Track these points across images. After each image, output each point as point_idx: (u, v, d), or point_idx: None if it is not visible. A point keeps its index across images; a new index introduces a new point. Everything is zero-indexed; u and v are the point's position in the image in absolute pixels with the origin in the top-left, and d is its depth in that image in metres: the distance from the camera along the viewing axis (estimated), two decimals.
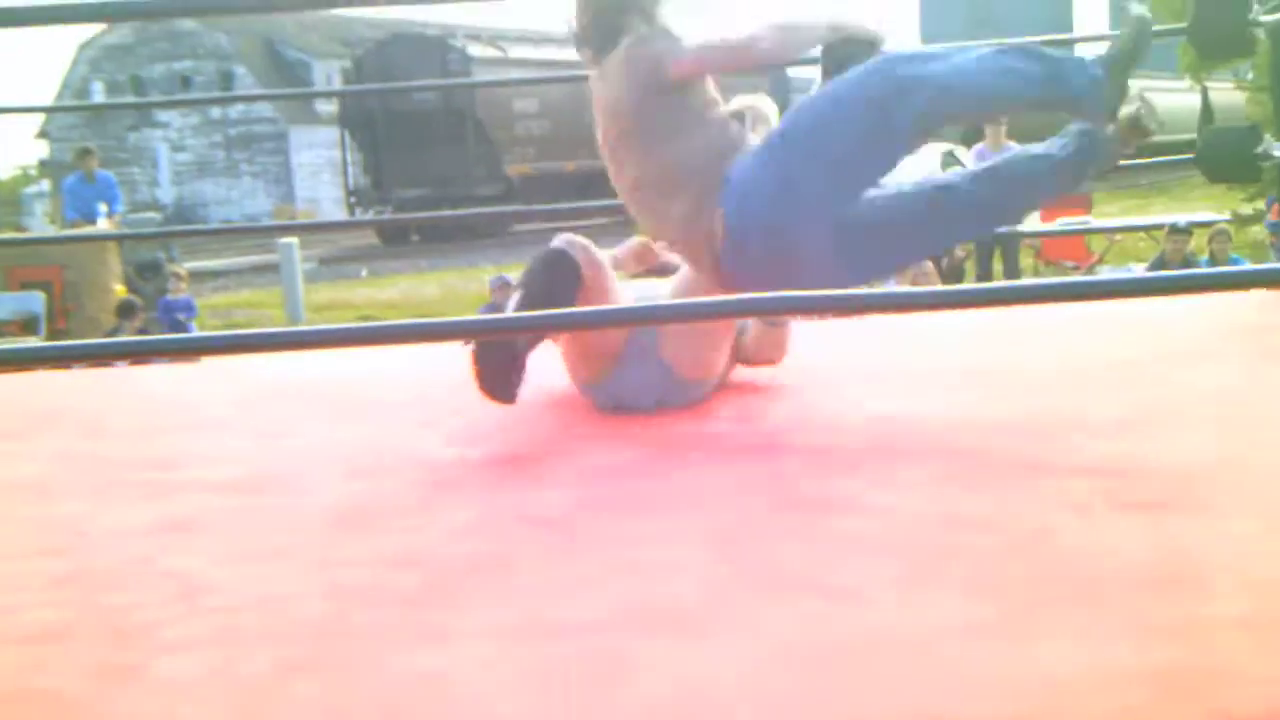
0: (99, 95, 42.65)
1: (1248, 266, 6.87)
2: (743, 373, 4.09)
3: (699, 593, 2.33)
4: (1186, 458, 3.05)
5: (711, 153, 3.48)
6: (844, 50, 3.53)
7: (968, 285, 3.33)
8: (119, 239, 13.74)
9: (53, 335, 12.55)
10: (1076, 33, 48.12)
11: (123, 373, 5.89)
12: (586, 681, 1.97)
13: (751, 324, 3.99)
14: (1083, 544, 2.48)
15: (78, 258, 13.03)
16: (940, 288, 3.29)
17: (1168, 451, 3.11)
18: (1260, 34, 5.23)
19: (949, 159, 3.83)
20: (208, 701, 1.98)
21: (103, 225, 13.24)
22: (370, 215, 27.87)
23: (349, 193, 28.96)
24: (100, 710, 1.96)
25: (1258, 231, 15.76)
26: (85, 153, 14.49)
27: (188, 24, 41.58)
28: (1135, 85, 3.34)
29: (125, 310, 12.05)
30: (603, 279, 3.70)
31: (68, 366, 6.93)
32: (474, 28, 32.39)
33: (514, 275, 12.47)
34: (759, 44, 3.47)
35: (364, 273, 23.29)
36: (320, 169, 41.23)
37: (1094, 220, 15.99)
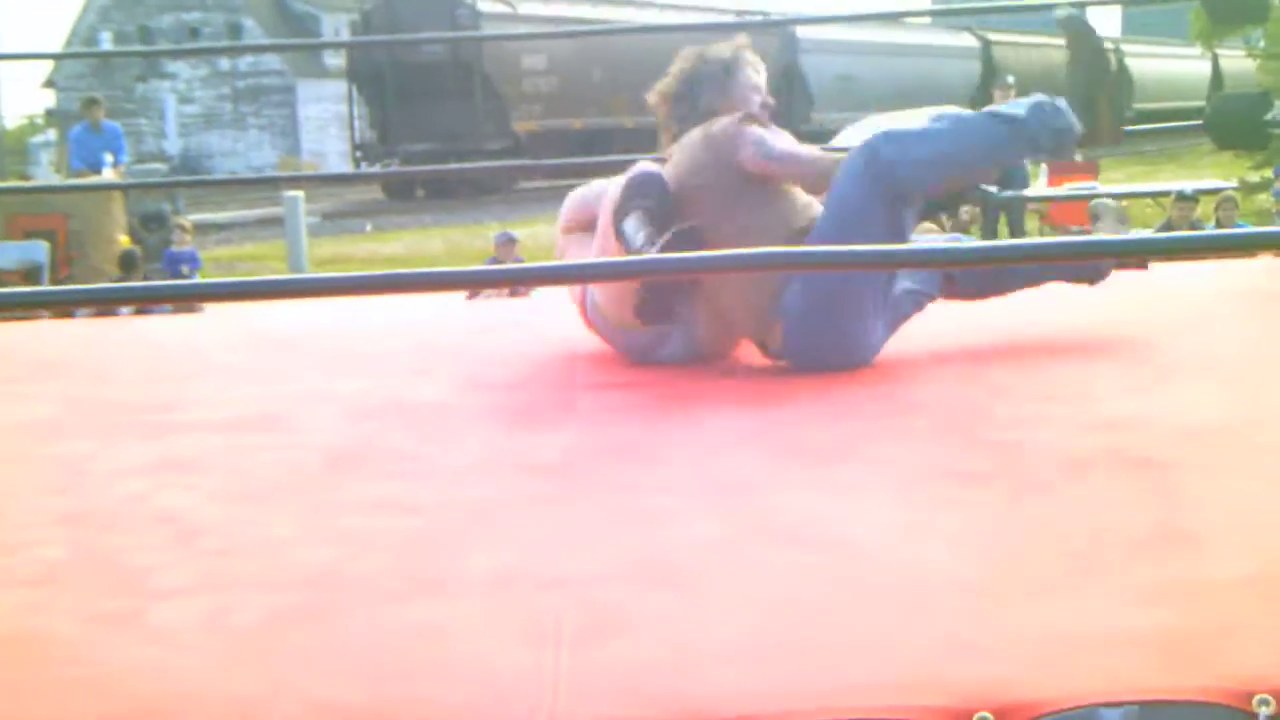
0: (107, 45, 42.50)
1: (1254, 229, 6.86)
2: None
3: (696, 543, 2.32)
4: (1190, 418, 3.04)
5: (774, 238, 3.50)
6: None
7: (975, 243, 3.33)
8: (123, 188, 13.70)
9: (56, 285, 12.51)
10: None
11: (127, 321, 5.89)
12: (582, 632, 1.96)
13: None
14: (1084, 502, 2.48)
15: (82, 207, 12.99)
16: (948, 245, 3.26)
17: (1171, 412, 3.10)
18: (1274, 0, 5.21)
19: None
20: (201, 649, 1.97)
21: (108, 175, 13.21)
22: (377, 169, 27.79)
23: (355, 146, 28.87)
24: (93, 656, 1.96)
25: (1264, 199, 15.71)
26: (92, 102, 14.44)
27: None
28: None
29: (126, 263, 12.03)
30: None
31: (71, 314, 6.93)
32: None
33: (518, 232, 12.46)
34: (822, 183, 3.61)
35: (368, 227, 23.24)
36: (327, 123, 41.11)
37: (1101, 186, 15.92)
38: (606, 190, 3.86)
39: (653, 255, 3.42)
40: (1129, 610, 1.95)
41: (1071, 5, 5.62)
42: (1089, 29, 4.08)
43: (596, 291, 3.79)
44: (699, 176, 3.61)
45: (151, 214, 14.93)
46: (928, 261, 3.09)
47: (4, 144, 26.49)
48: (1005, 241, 3.34)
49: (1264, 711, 1.69)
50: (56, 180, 23.13)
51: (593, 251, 3.77)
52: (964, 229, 12.97)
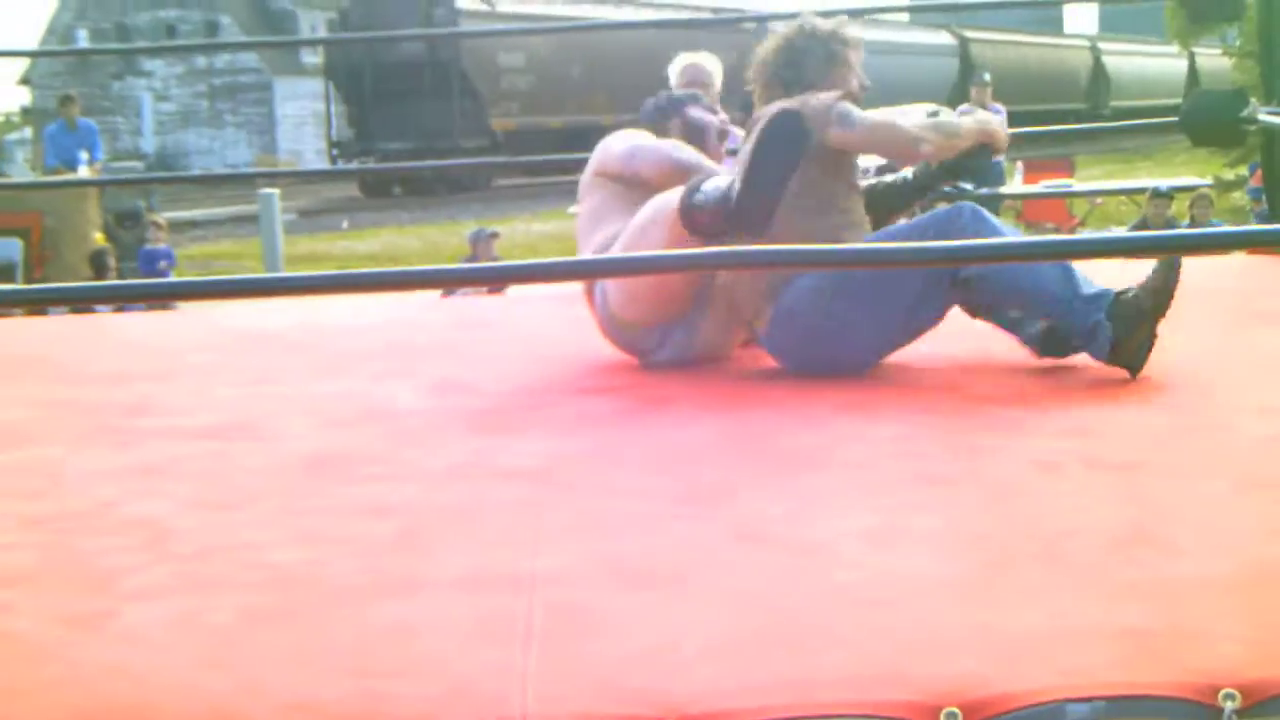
0: (83, 42, 42.34)
1: (1228, 228, 6.88)
2: None
3: (670, 546, 2.33)
4: (1160, 420, 3.06)
5: (812, 237, 3.51)
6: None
7: (948, 242, 3.32)
8: (98, 185, 13.65)
9: (30, 283, 12.46)
10: (1066, 31, 48.15)
11: (101, 320, 5.87)
12: (556, 634, 1.97)
13: None
14: (1053, 503, 2.49)
15: (57, 205, 12.93)
16: (922, 244, 3.26)
17: (1141, 413, 3.12)
18: None
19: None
20: (174, 649, 1.97)
21: (84, 173, 13.16)
22: (354, 165, 27.73)
23: (332, 144, 28.80)
24: (67, 656, 1.96)
25: (1239, 197, 15.79)
26: (68, 100, 14.38)
27: None
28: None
29: (97, 264, 12.00)
30: None
31: (45, 312, 6.91)
32: None
33: (495, 229, 12.45)
34: (921, 146, 3.62)
35: (345, 225, 23.19)
36: (304, 120, 41.00)
37: (1076, 184, 15.97)
38: (678, 155, 3.90)
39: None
40: (1096, 608, 1.97)
41: (1048, 3, 5.61)
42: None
43: (610, 287, 3.77)
44: None
45: (127, 211, 14.86)
46: (871, 261, 3.09)
47: None
48: (978, 241, 3.29)
49: (1229, 706, 1.71)
50: (31, 178, 23.03)
51: (637, 216, 3.75)
52: None
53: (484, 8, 26.90)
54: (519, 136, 26.85)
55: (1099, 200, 16.10)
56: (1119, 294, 3.37)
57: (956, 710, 1.70)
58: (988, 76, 13.96)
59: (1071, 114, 36.80)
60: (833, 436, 3.01)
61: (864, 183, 3.87)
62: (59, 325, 5.74)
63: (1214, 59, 33.49)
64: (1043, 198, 14.67)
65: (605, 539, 2.38)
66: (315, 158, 38.58)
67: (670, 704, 1.74)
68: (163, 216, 14.92)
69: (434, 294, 5.52)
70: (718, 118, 4.18)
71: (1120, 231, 13.65)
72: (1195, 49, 33.58)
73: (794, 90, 3.71)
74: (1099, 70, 40.77)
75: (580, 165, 4.12)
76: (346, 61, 27.57)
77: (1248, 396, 3.23)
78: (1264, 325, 4.18)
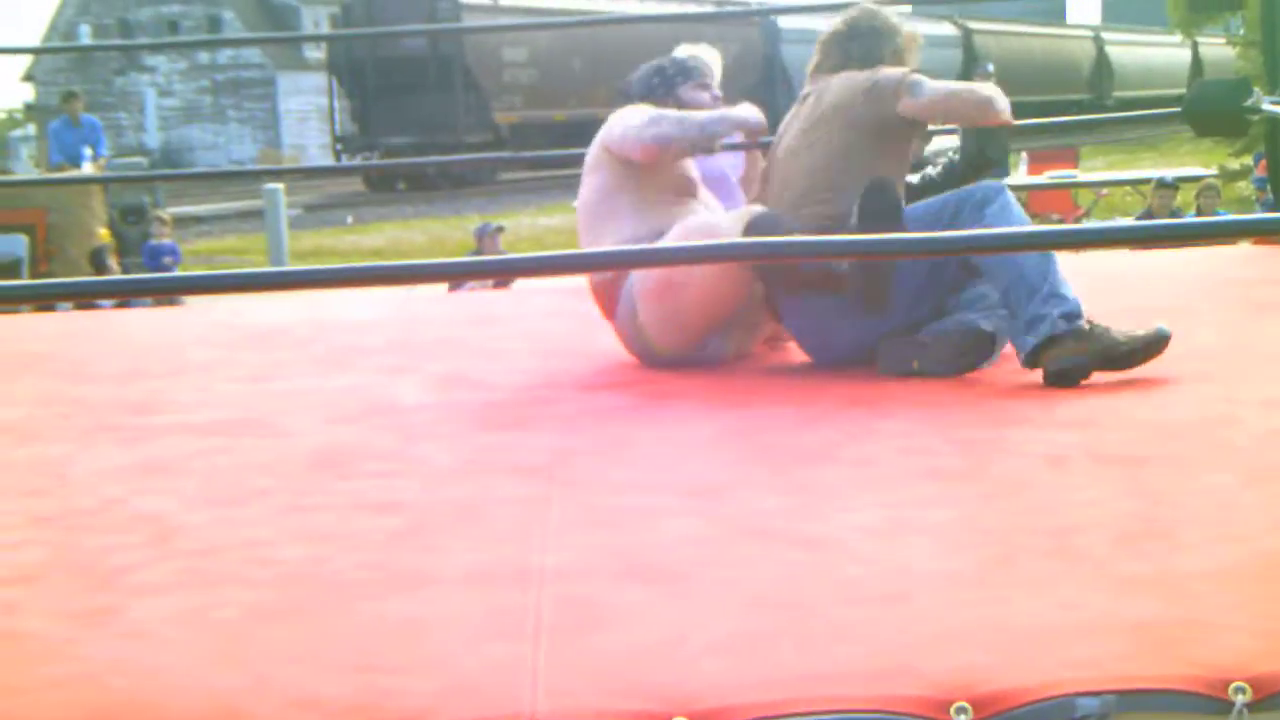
0: (86, 39, 42.33)
1: (1234, 217, 6.85)
2: None
3: (676, 543, 2.33)
4: (1166, 412, 3.05)
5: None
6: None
7: (954, 232, 3.31)
8: (103, 182, 13.66)
9: (36, 279, 12.48)
10: (1070, 21, 48.07)
11: (107, 316, 5.87)
12: (561, 630, 1.97)
13: None
14: (1061, 496, 2.49)
15: (61, 201, 12.93)
16: (928, 234, 3.25)
17: (1147, 406, 3.11)
18: None
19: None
20: (181, 645, 1.97)
21: (87, 169, 13.17)
22: (358, 162, 27.76)
23: (336, 139, 28.81)
24: (73, 653, 1.96)
25: (1244, 187, 15.76)
26: (71, 96, 14.41)
27: None
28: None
29: (97, 261, 12.01)
30: None
31: (52, 308, 6.91)
32: None
33: (500, 223, 12.45)
34: (996, 104, 3.64)
35: (349, 220, 23.20)
36: (308, 115, 40.99)
37: (1081, 174, 15.96)
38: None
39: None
40: (1105, 601, 1.96)
41: None
42: None
43: (649, 322, 3.68)
44: (847, 117, 3.67)
45: (131, 207, 14.86)
46: (876, 252, 3.09)
47: None
48: (991, 230, 3.29)
49: (1240, 699, 1.70)
50: (36, 174, 23.03)
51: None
52: None
53: (486, 2, 26.91)
54: (522, 130, 26.86)
55: (1104, 191, 16.09)
56: (1083, 322, 3.34)
57: (966, 704, 1.70)
58: (991, 67, 13.98)
59: (1075, 104, 36.80)
60: (839, 432, 3.00)
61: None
62: (64, 322, 5.75)
63: (1218, 48, 33.49)
64: (1048, 189, 14.66)
65: (613, 534, 2.38)
66: (319, 152, 38.60)
67: (679, 699, 1.73)
68: (167, 212, 14.94)
69: (440, 288, 5.51)
70: (710, 94, 4.09)
71: (1126, 223, 13.64)
72: (1199, 38, 33.58)
73: (855, 65, 3.77)
74: (1102, 60, 40.73)
75: (583, 161, 4.10)
76: (350, 56, 27.59)
77: (1253, 389, 3.23)
78: (1269, 316, 4.17)
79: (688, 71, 4.09)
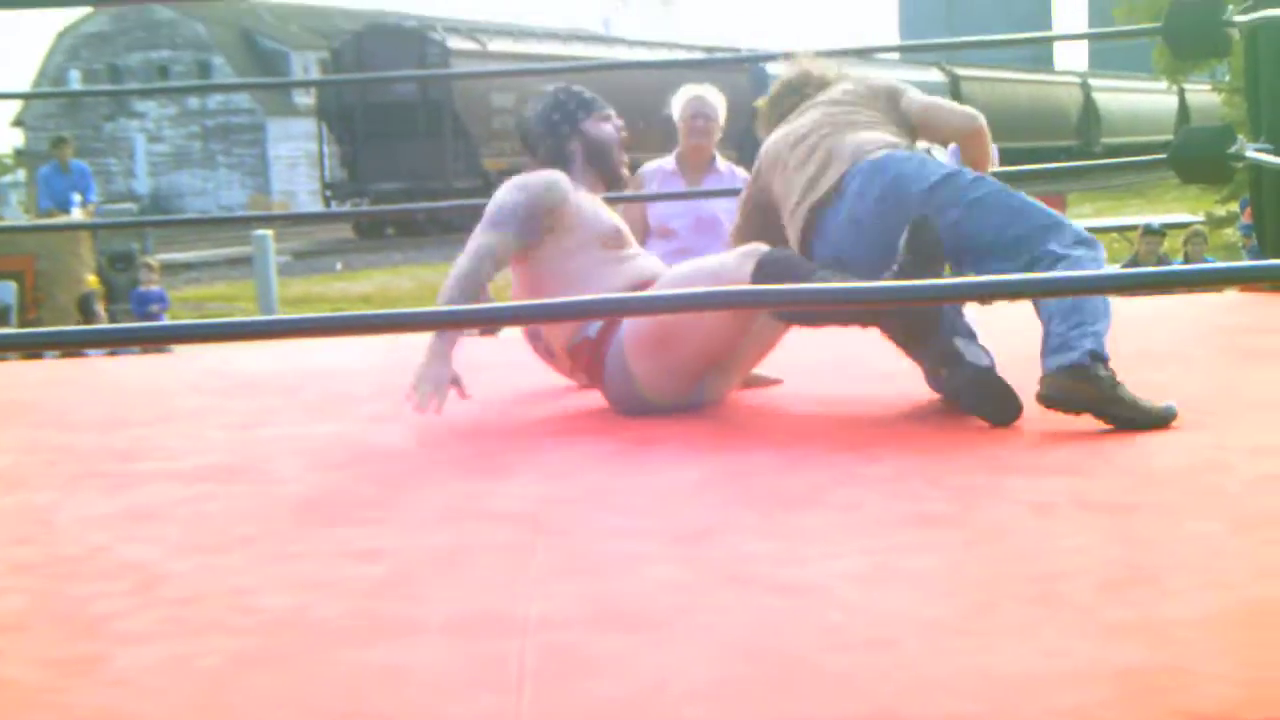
0: (76, 84, 42.45)
1: (1221, 264, 6.89)
2: None
3: (660, 589, 2.32)
4: (1152, 459, 3.06)
5: None
6: None
7: (940, 280, 3.31)
8: (91, 228, 13.68)
9: (24, 326, 12.47)
10: (1056, 30, 48.27)
11: (94, 363, 5.87)
12: (545, 678, 1.96)
13: None
14: (1046, 543, 2.49)
15: (50, 247, 12.96)
16: (912, 283, 3.26)
17: (1133, 453, 3.12)
18: (1235, 34, 5.24)
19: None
20: (165, 693, 1.96)
21: (77, 215, 13.19)
22: (347, 208, 27.82)
23: (325, 185, 28.88)
24: (58, 701, 1.95)
25: (1230, 234, 15.83)
26: (60, 142, 14.44)
27: (165, 13, 41.48)
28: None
29: (85, 308, 12.02)
30: None
31: (40, 355, 6.91)
32: (453, 20, 32.33)
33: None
34: (979, 120, 3.87)
35: (338, 266, 23.23)
36: (297, 161, 41.12)
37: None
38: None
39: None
40: (1090, 649, 1.96)
41: (1038, 40, 5.64)
42: None
43: (636, 360, 3.63)
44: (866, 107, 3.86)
45: (120, 254, 14.89)
46: (862, 300, 3.10)
47: None
48: (981, 279, 3.29)
49: None
50: (25, 220, 23.06)
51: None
52: None
53: (476, 48, 27.02)
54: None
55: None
56: (1104, 368, 3.30)
57: None
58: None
59: (1063, 150, 36.98)
60: (823, 477, 3.00)
61: None
62: (51, 370, 5.74)
63: (1204, 94, 33.67)
64: None
65: (596, 581, 2.37)
66: (308, 198, 38.72)
67: None
68: (156, 259, 14.97)
69: (427, 336, 5.51)
70: (612, 124, 4.02)
71: (1113, 269, 13.68)
72: (1185, 84, 33.76)
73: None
74: (1090, 107, 40.96)
75: None
76: (339, 102, 27.70)
77: (1241, 435, 3.23)
78: (1257, 363, 4.19)
79: (588, 105, 4.01)
